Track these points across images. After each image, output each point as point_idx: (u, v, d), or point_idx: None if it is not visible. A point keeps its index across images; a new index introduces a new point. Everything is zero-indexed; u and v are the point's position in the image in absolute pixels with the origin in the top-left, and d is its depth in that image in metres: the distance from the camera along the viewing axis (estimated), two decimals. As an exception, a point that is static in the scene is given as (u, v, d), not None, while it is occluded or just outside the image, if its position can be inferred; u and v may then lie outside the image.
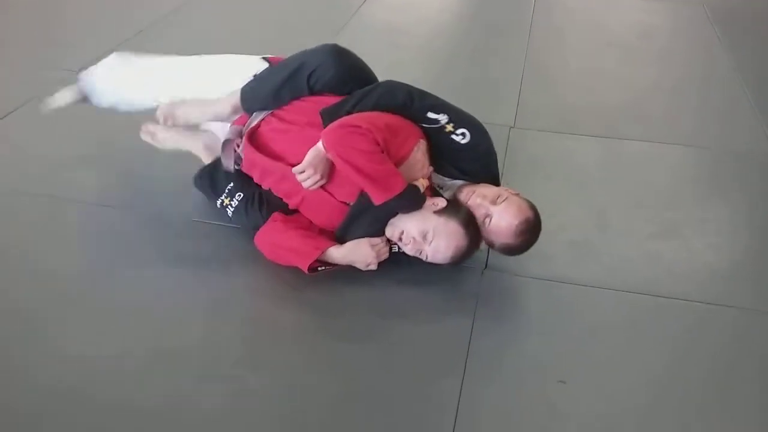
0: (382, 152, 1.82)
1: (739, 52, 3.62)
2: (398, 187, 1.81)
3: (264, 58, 2.18)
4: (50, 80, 3.01)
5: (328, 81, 2.02)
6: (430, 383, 1.68)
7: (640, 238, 2.21)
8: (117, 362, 1.70)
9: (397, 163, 1.87)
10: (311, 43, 3.49)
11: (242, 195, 2.05)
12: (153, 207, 2.25)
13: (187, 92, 2.15)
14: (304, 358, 1.75)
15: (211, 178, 2.14)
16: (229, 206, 2.06)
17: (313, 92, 2.05)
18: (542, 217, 1.96)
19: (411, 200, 1.86)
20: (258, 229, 2.00)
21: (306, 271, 1.90)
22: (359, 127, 1.81)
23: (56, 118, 2.73)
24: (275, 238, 1.97)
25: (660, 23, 4.09)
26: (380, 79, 2.15)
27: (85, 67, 2.40)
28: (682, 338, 1.85)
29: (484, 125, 2.05)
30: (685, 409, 1.64)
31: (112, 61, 2.32)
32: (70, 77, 3.05)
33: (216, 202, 2.10)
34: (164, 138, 2.27)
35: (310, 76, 2.02)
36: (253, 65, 2.15)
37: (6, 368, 1.68)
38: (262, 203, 2.03)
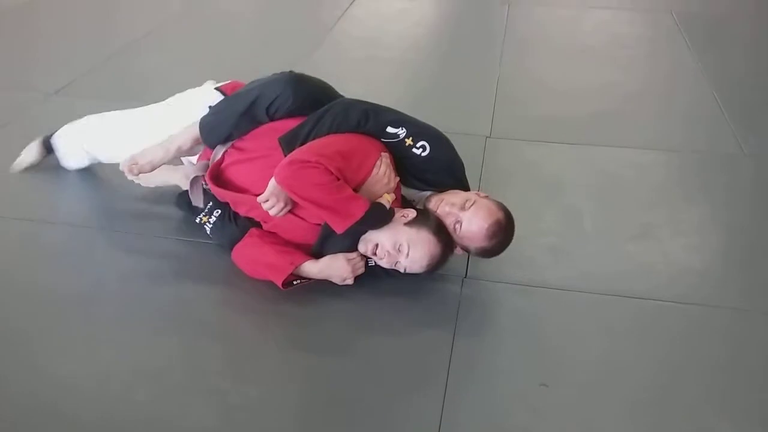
0: (338, 180, 1.81)
1: (707, 57, 3.70)
2: (359, 212, 1.81)
3: (217, 88, 2.16)
4: (25, 104, 3.02)
5: (288, 109, 2.01)
6: (413, 391, 1.69)
7: (617, 241, 2.24)
8: (98, 381, 1.69)
9: (357, 186, 1.88)
10: (289, 57, 3.54)
11: (220, 212, 2.06)
12: (131, 227, 2.24)
13: (150, 140, 2.12)
14: (285, 372, 1.75)
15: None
16: (207, 223, 2.08)
17: (273, 120, 2.04)
18: (520, 224, 1.98)
19: (376, 219, 1.86)
20: (235, 244, 2.01)
21: (281, 287, 1.91)
22: (308, 161, 1.80)
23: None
24: (251, 252, 1.98)
25: (629, 31, 4.17)
26: (351, 95, 2.16)
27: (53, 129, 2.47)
28: (661, 339, 1.87)
29: (460, 135, 2.07)
30: (666, 410, 1.66)
31: (79, 126, 2.37)
32: (47, 99, 3.07)
33: (195, 220, 2.12)
34: (148, 177, 2.23)
35: (269, 106, 2.01)
36: (206, 96, 2.14)
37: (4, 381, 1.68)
38: (237, 216, 2.05)
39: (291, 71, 2.11)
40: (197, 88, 2.24)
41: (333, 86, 2.15)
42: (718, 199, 2.50)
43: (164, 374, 1.72)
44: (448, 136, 2.07)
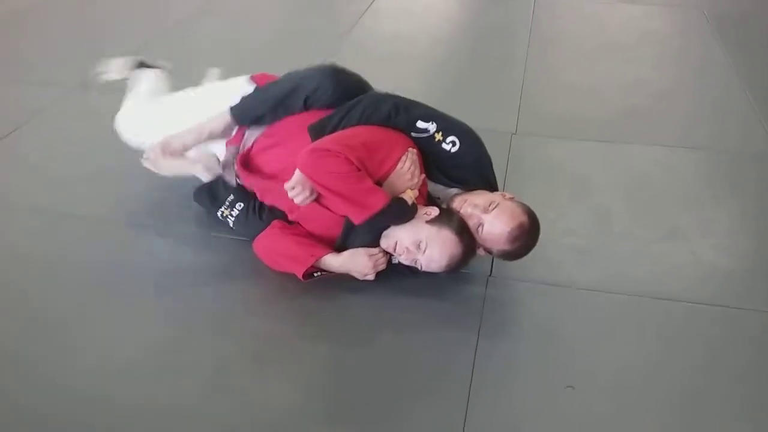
0: (359, 170, 1.80)
1: (738, 54, 3.62)
2: (378, 204, 1.81)
3: (251, 78, 2.17)
4: (50, 98, 3.04)
5: (327, 102, 2.01)
6: (437, 391, 1.68)
7: (645, 241, 2.20)
8: (121, 376, 1.70)
9: (381, 179, 1.87)
10: (313, 53, 3.53)
11: (242, 205, 2.06)
12: (154, 221, 2.25)
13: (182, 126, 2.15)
14: (308, 369, 1.75)
15: (211, 192, 2.15)
16: (230, 216, 2.08)
17: (308, 111, 2.04)
18: (546, 223, 1.96)
19: (397, 214, 1.85)
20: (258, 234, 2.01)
21: (301, 278, 1.90)
22: (329, 150, 1.80)
23: (60, 135, 2.76)
24: (273, 244, 1.98)
25: (659, 27, 4.10)
26: (382, 90, 2.14)
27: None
28: (691, 342, 1.84)
29: (486, 132, 2.04)
30: (695, 414, 1.64)
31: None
32: (70, 93, 3.09)
33: (216, 214, 2.11)
34: (166, 165, 2.23)
35: (307, 98, 2.01)
36: (240, 88, 2.14)
37: (27, 374, 1.71)
38: (262, 210, 2.05)
39: (332, 63, 2.10)
40: (233, 79, 2.25)
41: None
42: (749, 199, 2.45)
43: (189, 370, 1.72)
44: (473, 132, 2.05)
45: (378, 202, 1.81)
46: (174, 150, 2.13)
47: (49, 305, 1.92)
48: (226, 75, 2.71)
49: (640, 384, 1.71)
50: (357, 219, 1.84)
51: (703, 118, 3.04)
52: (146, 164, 2.21)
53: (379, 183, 1.86)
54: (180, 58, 3.47)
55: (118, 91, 3.10)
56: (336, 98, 2.00)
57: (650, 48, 3.77)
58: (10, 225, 2.25)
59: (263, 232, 2.01)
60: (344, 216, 1.91)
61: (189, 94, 2.28)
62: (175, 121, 2.16)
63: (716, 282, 2.05)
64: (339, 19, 4.10)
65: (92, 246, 2.16)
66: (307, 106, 2.03)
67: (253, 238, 2.03)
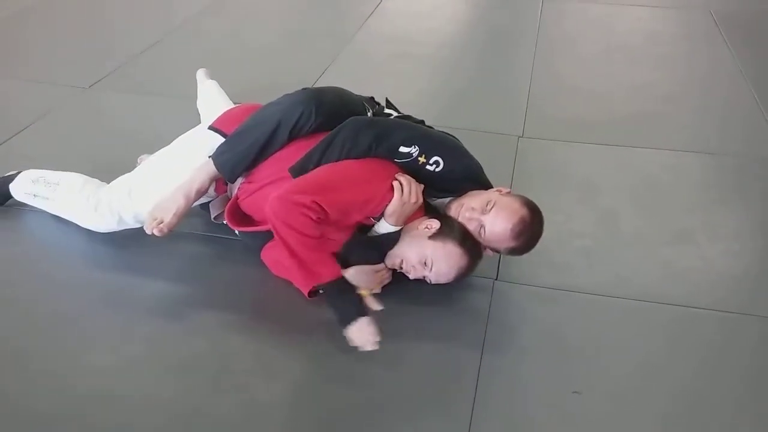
0: (319, 238, 1.76)
1: (746, 57, 3.61)
2: (326, 276, 1.76)
3: (213, 128, 2.08)
4: (60, 97, 3.05)
5: (311, 127, 1.97)
6: (443, 396, 1.67)
7: (653, 245, 2.19)
8: (127, 374, 1.70)
9: (373, 214, 1.84)
10: (320, 53, 3.52)
11: None
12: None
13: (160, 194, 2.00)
14: (312, 374, 1.74)
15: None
16: None
17: (292, 142, 1.99)
18: (553, 226, 1.95)
19: (339, 295, 1.76)
20: (264, 244, 2.00)
21: (306, 296, 1.88)
22: (302, 204, 1.74)
23: (67, 135, 2.77)
24: (279, 256, 1.95)
25: (667, 29, 4.09)
26: (382, 93, 2.10)
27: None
28: (698, 348, 1.83)
29: (493, 135, 2.03)
30: (701, 419, 1.63)
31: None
32: (77, 94, 3.10)
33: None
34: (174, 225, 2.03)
35: (293, 129, 1.96)
36: (206, 141, 2.06)
37: (28, 373, 1.71)
38: None
39: (305, 89, 2.07)
40: (192, 135, 2.16)
41: (363, 83, 2.09)
42: (757, 203, 2.44)
43: (192, 370, 1.72)
44: (480, 135, 2.05)
45: (326, 274, 1.76)
46: (170, 225, 1.95)
47: (52, 304, 1.92)
48: (213, 76, 2.73)
49: (646, 389, 1.70)
50: (302, 285, 1.82)
51: (711, 122, 3.02)
52: (159, 234, 1.98)
53: (377, 217, 1.86)
54: (191, 54, 3.49)
55: (128, 91, 3.13)
56: (319, 123, 1.96)
57: (657, 50, 3.76)
58: (13, 226, 2.25)
59: (271, 242, 1.98)
60: (350, 230, 1.90)
61: (155, 163, 2.13)
62: (155, 191, 2.02)
63: (723, 287, 2.04)
64: (346, 20, 4.10)
65: (95, 245, 2.15)
66: (291, 138, 1.98)
67: (258, 247, 2.02)
